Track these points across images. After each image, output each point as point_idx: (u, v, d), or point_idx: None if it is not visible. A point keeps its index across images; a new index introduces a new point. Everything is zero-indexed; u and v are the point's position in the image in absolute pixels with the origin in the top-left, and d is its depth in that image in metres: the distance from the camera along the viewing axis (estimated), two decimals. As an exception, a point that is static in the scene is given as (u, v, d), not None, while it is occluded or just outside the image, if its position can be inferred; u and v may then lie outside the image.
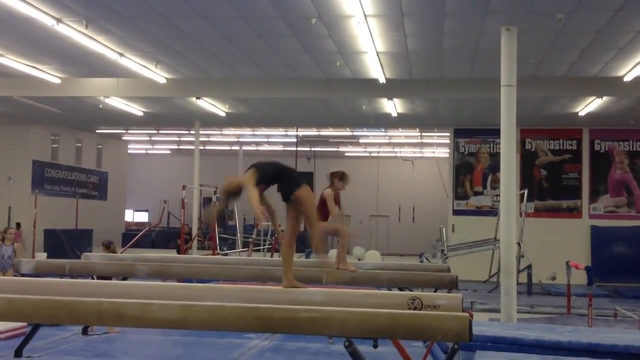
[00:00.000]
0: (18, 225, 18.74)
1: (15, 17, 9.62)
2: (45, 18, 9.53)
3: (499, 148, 9.70)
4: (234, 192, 4.96)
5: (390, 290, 7.05)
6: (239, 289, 4.87)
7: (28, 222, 18.40)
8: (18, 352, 6.36)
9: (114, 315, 3.94)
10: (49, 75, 13.46)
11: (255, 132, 22.37)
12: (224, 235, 19.92)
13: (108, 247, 9.57)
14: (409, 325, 3.69)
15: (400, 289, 6.58)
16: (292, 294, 4.59)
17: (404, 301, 4.22)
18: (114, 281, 6.43)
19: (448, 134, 19.56)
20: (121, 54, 11.64)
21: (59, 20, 9.68)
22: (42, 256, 15.81)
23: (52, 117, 18.30)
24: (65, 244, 18.19)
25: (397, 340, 5.10)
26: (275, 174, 5.11)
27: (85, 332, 7.97)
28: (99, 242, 12.89)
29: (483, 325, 6.10)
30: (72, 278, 7.18)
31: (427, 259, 16.16)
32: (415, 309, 4.14)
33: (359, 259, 16.34)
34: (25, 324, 7.65)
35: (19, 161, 19.47)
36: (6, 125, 19.04)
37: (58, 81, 13.84)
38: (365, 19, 9.28)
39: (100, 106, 16.45)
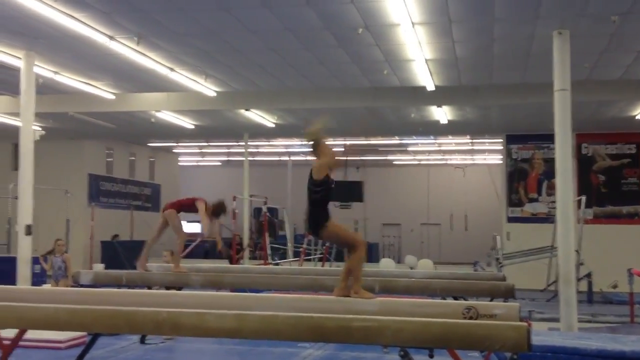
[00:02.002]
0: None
1: (70, 36, 9.92)
2: (98, 36, 9.80)
3: (554, 154, 9.50)
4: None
5: (444, 299, 6.96)
6: (292, 298, 4.87)
7: (85, 234, 18.87)
8: (78, 362, 6.51)
9: (171, 325, 4.00)
10: (103, 91, 13.82)
11: (304, 142, 22.44)
12: (275, 245, 20.01)
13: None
14: (465, 335, 3.62)
15: (455, 298, 6.49)
16: (345, 303, 4.57)
17: (459, 310, 4.15)
18: (169, 291, 6.54)
19: (500, 140, 19.27)
20: (171, 69, 11.87)
21: (111, 38, 9.94)
22: (99, 267, 16.17)
23: (106, 131, 18.77)
24: (121, 255, 18.57)
25: (453, 350, 5.01)
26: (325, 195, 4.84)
27: (143, 341, 8.11)
28: (154, 253, 13.11)
29: (542, 335, 5.95)
30: (129, 288, 7.34)
31: (481, 267, 15.91)
32: (471, 318, 4.06)
33: (411, 268, 16.20)
34: (85, 333, 7.85)
35: (76, 175, 20.02)
36: (63, 141, 19.59)
37: (112, 97, 14.20)
38: (413, 26, 9.24)
39: (152, 120, 16.80)
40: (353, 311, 4.21)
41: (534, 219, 18.09)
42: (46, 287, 10.18)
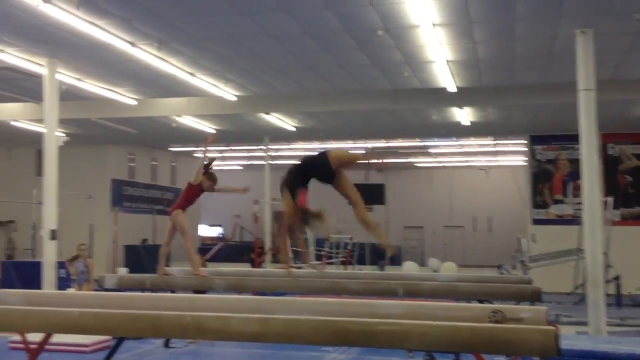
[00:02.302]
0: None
1: (92, 43, 10.00)
2: (120, 43, 9.87)
3: (579, 154, 9.38)
4: (308, 218, 5.19)
5: (469, 302, 6.88)
6: (315, 301, 4.84)
7: (108, 238, 19.02)
8: (103, 366, 6.54)
9: (195, 329, 3.99)
10: (125, 97, 13.93)
11: (325, 146, 22.44)
12: (297, 249, 19.99)
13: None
14: (492, 339, 3.57)
15: (480, 302, 6.41)
16: (368, 306, 4.52)
17: (485, 314, 4.08)
18: (193, 295, 6.54)
19: (524, 141, 19.09)
20: (192, 74, 11.93)
21: (133, 44, 10.02)
22: (123, 271, 16.28)
23: (128, 137, 18.93)
24: (144, 258, 18.70)
25: (479, 355, 4.95)
26: (302, 172, 5.26)
27: (167, 344, 8.14)
28: (177, 256, 13.19)
29: (570, 339, 5.85)
30: (152, 292, 7.36)
31: (506, 270, 15.76)
32: (497, 322, 3.99)
33: (434, 271, 16.09)
34: (109, 337, 7.89)
35: (99, 180, 20.21)
36: (86, 146, 19.79)
37: (133, 102, 14.31)
38: (433, 27, 9.18)
39: (174, 125, 16.90)
40: (377, 314, 4.17)
41: (560, 220, 17.88)
42: (70, 291, 10.28)
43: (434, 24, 9.11)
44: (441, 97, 13.52)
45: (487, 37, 9.92)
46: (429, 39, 9.70)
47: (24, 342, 6.45)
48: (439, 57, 10.64)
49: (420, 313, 4.21)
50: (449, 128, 17.64)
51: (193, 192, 7.05)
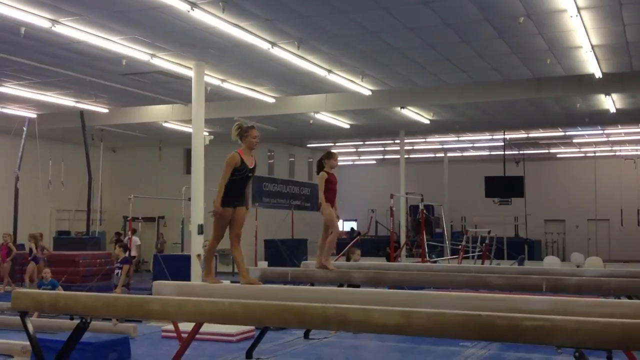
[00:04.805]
0: None
1: (235, 45, 10.48)
2: (261, 43, 10.27)
3: None
4: None
5: (618, 299, 6.53)
6: (455, 296, 4.82)
7: (250, 233, 19.81)
8: (249, 354, 6.90)
9: (339, 320, 4.10)
10: (265, 95, 14.46)
11: (460, 138, 22.06)
12: (432, 243, 19.81)
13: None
14: (648, 337, 3.38)
15: (629, 298, 6.08)
16: (511, 301, 4.43)
17: (637, 311, 3.89)
18: (334, 288, 6.69)
19: (677, 129, 17.71)
20: (329, 71, 12.16)
21: (273, 44, 10.37)
22: (263, 264, 16.92)
23: (267, 134, 19.59)
24: (283, 253, 19.30)
25: (631, 352, 4.71)
26: None
27: (307, 336, 8.39)
28: (314, 251, 13.52)
29: None
30: (293, 285, 7.62)
31: (658, 266, 14.72)
32: (651, 319, 3.79)
33: (577, 266, 15.35)
34: (253, 327, 8.27)
35: (242, 177, 21.04)
36: (229, 145, 20.62)
37: (272, 101, 14.82)
38: (579, 11, 8.76)
39: (311, 122, 17.29)
40: (521, 310, 4.08)
41: None
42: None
43: (579, 8, 8.70)
44: (586, 84, 12.89)
45: (638, 19, 9.31)
46: (575, 23, 9.27)
47: (177, 330, 6.91)
48: (585, 42, 10.14)
49: (569, 309, 4.08)
50: (594, 116, 16.75)
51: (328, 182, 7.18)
